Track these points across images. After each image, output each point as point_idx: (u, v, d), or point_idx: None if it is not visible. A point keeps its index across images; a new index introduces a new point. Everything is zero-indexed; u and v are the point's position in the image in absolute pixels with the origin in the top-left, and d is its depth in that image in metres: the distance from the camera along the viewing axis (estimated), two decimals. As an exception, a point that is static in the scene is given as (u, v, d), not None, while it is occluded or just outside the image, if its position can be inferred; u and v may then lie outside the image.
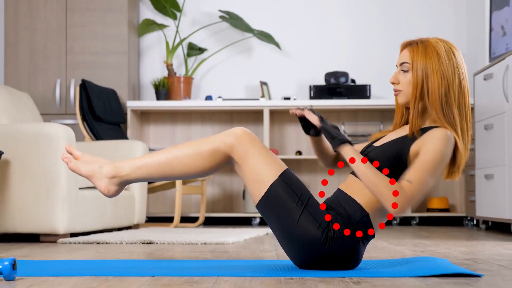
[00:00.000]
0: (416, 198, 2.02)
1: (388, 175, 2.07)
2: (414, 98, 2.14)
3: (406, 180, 2.02)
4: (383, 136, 2.26)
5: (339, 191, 2.18)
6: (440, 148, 2.05)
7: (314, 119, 2.16)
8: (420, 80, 2.13)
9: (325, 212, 2.09)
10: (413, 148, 2.09)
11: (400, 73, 2.18)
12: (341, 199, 2.14)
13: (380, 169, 2.08)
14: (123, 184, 2.19)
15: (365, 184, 2.05)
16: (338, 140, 2.09)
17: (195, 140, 2.17)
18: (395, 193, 2.00)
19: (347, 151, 2.08)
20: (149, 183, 5.10)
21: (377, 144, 2.21)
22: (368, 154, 2.14)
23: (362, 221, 2.10)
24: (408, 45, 2.19)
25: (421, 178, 2.02)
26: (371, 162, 2.09)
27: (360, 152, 2.17)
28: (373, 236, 2.16)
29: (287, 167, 2.15)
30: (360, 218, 2.10)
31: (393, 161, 2.09)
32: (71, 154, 2.23)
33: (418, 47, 2.15)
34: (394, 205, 1.99)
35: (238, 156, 2.13)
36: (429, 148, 2.06)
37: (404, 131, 2.19)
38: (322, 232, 2.06)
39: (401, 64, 2.17)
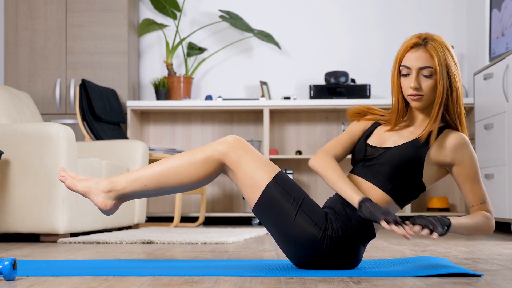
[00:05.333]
0: None
1: (400, 179, 2.11)
2: (439, 104, 2.13)
3: (483, 203, 2.15)
4: (375, 128, 2.24)
5: (339, 191, 2.18)
6: (474, 156, 2.16)
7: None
8: (447, 87, 2.12)
9: (323, 211, 2.10)
10: (434, 156, 2.13)
11: (420, 77, 2.13)
12: (342, 199, 2.14)
13: (392, 173, 2.11)
14: (119, 198, 2.19)
15: (471, 235, 2.16)
16: (446, 226, 2.03)
17: (188, 150, 2.19)
18: (491, 222, 2.14)
19: (456, 229, 2.07)
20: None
21: (386, 145, 2.18)
22: (380, 159, 2.14)
23: (362, 222, 2.10)
24: (419, 45, 2.13)
25: (485, 191, 2.17)
26: (382, 165, 2.12)
27: (372, 158, 2.16)
28: (373, 236, 2.16)
29: (280, 169, 2.15)
30: (360, 218, 2.10)
31: (405, 165, 2.11)
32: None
33: (435, 49, 2.10)
34: (493, 229, 2.16)
35: (231, 163, 2.14)
36: (470, 163, 2.14)
37: (409, 133, 2.18)
38: (319, 230, 2.06)
39: (422, 68, 2.12)
